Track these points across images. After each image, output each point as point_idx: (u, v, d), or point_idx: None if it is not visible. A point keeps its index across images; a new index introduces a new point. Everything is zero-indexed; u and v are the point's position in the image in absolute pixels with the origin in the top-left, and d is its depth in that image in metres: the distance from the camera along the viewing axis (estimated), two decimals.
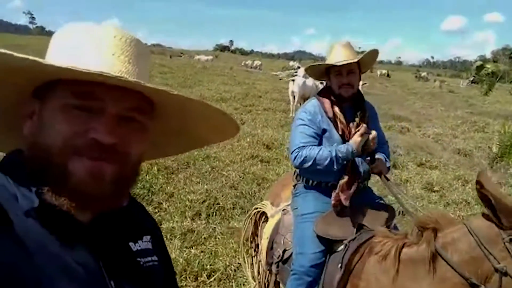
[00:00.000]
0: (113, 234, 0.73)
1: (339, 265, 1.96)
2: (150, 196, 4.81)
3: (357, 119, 2.23)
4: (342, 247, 2.02)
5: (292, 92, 11.81)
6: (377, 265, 1.89)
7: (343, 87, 2.20)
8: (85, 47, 0.68)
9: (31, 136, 0.68)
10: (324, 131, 2.20)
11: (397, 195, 2.23)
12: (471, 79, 38.51)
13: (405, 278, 1.78)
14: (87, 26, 0.71)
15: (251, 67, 36.54)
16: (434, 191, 6.16)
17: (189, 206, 4.63)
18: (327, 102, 2.23)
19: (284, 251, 2.33)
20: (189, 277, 3.30)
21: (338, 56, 2.18)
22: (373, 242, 1.96)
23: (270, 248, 2.44)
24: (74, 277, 0.62)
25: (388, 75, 42.98)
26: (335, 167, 2.10)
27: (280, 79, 23.35)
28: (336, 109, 2.21)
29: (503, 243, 1.59)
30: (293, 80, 12.18)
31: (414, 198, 5.69)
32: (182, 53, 54.42)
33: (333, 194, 2.16)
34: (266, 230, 2.53)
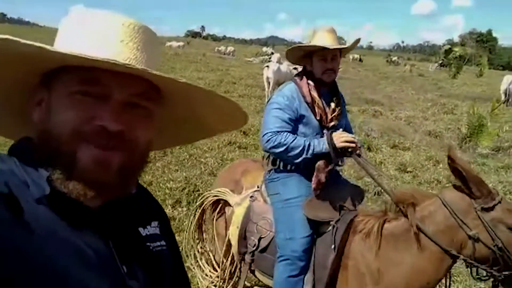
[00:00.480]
0: (122, 219, 0.73)
1: (332, 246, 1.98)
2: None
3: (333, 104, 2.25)
4: (330, 228, 2.04)
5: (267, 78, 11.80)
6: (362, 243, 1.98)
7: (327, 72, 2.19)
8: (94, 33, 0.67)
9: (40, 123, 0.68)
10: (302, 116, 2.18)
11: (373, 174, 2.24)
12: (440, 62, 39.47)
13: (388, 251, 1.89)
14: (95, 13, 0.70)
15: (224, 54, 36.19)
16: (407, 172, 6.36)
17: (169, 194, 4.62)
18: (305, 87, 2.20)
19: (259, 239, 2.28)
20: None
21: (325, 41, 2.16)
22: (356, 221, 2.04)
23: (243, 237, 2.35)
24: (87, 262, 0.63)
25: (360, 60, 43.52)
26: (303, 157, 2.09)
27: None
28: (315, 94, 2.19)
29: (475, 212, 1.73)
30: (267, 66, 12.16)
31: (388, 179, 5.87)
32: None
33: (313, 178, 2.15)
34: (235, 219, 2.41)
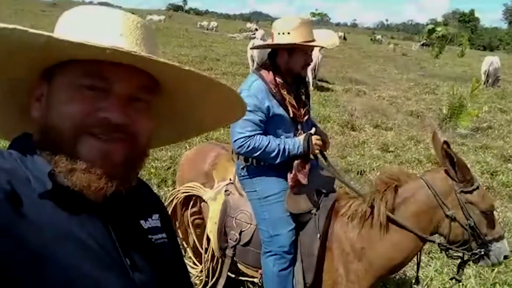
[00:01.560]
0: (124, 212, 0.74)
1: (318, 234, 2.02)
2: None
3: (303, 97, 2.20)
4: (311, 217, 2.07)
5: (251, 56, 11.69)
6: (344, 225, 2.07)
7: (305, 67, 2.14)
8: (93, 28, 0.67)
9: (40, 118, 0.68)
10: (275, 115, 2.08)
11: (338, 176, 2.26)
12: (423, 42, 39.70)
13: (370, 231, 2.00)
14: (95, 9, 0.70)
15: (207, 29, 35.50)
16: (389, 152, 6.49)
17: (154, 173, 4.61)
18: (273, 85, 2.08)
19: (240, 232, 2.25)
20: None
21: (306, 35, 2.06)
22: (338, 206, 2.12)
23: (224, 232, 2.30)
24: (90, 254, 0.64)
25: (344, 38, 43.35)
26: (279, 160, 2.06)
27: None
28: (285, 92, 2.09)
29: (455, 194, 1.89)
30: (252, 43, 12.03)
31: (371, 159, 5.99)
32: (133, 13, 51.58)
33: (289, 175, 2.12)
34: (212, 214, 2.34)
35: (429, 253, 3.55)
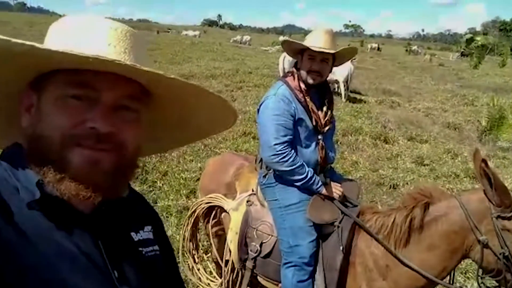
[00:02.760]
0: (114, 224, 0.74)
1: (341, 247, 1.96)
2: (144, 175, 4.82)
3: (325, 108, 2.20)
4: (334, 229, 2.02)
5: (283, 68, 11.71)
6: (369, 240, 1.99)
7: (311, 74, 2.11)
8: (81, 38, 0.67)
9: (29, 128, 0.68)
10: (300, 120, 2.10)
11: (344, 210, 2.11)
12: (461, 52, 38.45)
13: (397, 246, 1.90)
14: (84, 18, 0.71)
15: (240, 42, 36.03)
16: (424, 165, 6.26)
17: (184, 184, 4.67)
18: (298, 92, 2.12)
19: (261, 244, 2.21)
20: (186, 254, 3.36)
21: (318, 41, 2.08)
22: (363, 220, 2.04)
23: (244, 243, 2.27)
24: (77, 266, 0.63)
25: (379, 49, 42.77)
26: (301, 183, 2.08)
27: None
28: (308, 98, 2.12)
29: (491, 218, 1.73)
30: (283, 55, 12.06)
31: (404, 172, 5.80)
32: (169, 29, 53.40)
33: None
34: (233, 225, 2.32)
35: (465, 273, 3.36)
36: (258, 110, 2.19)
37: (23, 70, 0.66)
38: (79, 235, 0.66)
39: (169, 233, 3.50)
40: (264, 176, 2.22)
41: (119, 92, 0.68)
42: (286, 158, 2.03)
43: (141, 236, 0.79)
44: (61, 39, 0.68)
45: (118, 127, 0.67)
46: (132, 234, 0.78)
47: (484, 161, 1.74)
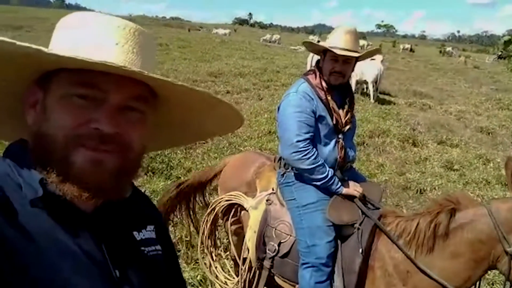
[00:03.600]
0: (116, 223, 0.74)
1: (360, 249, 1.93)
2: (169, 170, 4.89)
3: (346, 107, 2.18)
4: (354, 230, 1.99)
5: (311, 67, 11.60)
6: (390, 244, 1.93)
7: (334, 74, 2.09)
8: (89, 36, 0.67)
9: (34, 125, 0.68)
10: (321, 117, 2.09)
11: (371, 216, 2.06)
12: (498, 54, 37.09)
13: (419, 252, 1.85)
14: (91, 16, 0.70)
15: (270, 41, 35.99)
16: (454, 170, 6.07)
17: None
18: (320, 89, 2.11)
19: (279, 244, 2.20)
20: (205, 251, 3.38)
21: (339, 41, 2.05)
22: (385, 223, 2.00)
23: (262, 242, 2.26)
24: (79, 264, 0.64)
25: (411, 50, 41.75)
26: (320, 183, 2.06)
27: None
28: (329, 97, 2.11)
29: None
30: (312, 55, 11.96)
31: (432, 177, 5.64)
32: (200, 27, 53.91)
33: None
34: (252, 223, 2.32)
35: (492, 284, 3.23)
36: (279, 108, 2.18)
37: (28, 70, 0.66)
38: (81, 235, 0.66)
39: (192, 229, 3.53)
40: (283, 175, 2.21)
41: (126, 94, 0.67)
42: (308, 156, 2.01)
43: (144, 235, 0.79)
44: (68, 37, 0.68)
45: (123, 128, 0.67)
46: (135, 233, 0.78)
47: None
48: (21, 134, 0.73)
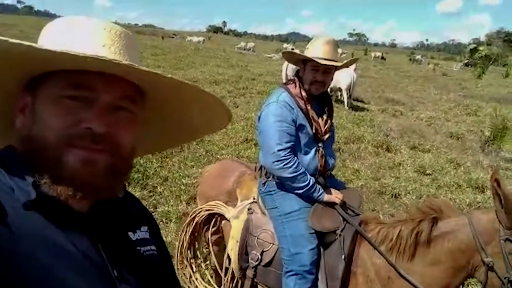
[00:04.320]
0: (111, 223, 0.74)
1: (342, 256, 1.94)
2: (144, 180, 4.81)
3: (325, 116, 2.21)
4: (336, 237, 2.00)
5: (286, 75, 11.71)
6: (371, 250, 1.96)
7: (315, 84, 2.12)
8: (75, 39, 0.67)
9: (24, 129, 0.68)
10: (301, 126, 2.11)
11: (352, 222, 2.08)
12: (465, 62, 38.52)
13: (400, 260, 1.87)
14: (77, 20, 0.71)
15: (244, 49, 36.15)
16: (427, 174, 6.23)
17: (184, 190, 4.65)
18: (299, 99, 2.13)
19: (262, 252, 2.19)
20: (184, 262, 3.32)
21: (320, 52, 2.09)
22: (366, 229, 2.02)
23: (245, 252, 2.24)
24: (76, 265, 0.63)
25: (382, 58, 42.83)
26: (302, 191, 2.08)
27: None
28: (309, 106, 2.13)
29: (499, 240, 1.68)
30: (287, 64, 12.07)
31: (407, 181, 5.76)
32: (174, 34, 53.65)
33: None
34: (234, 233, 2.30)
35: (467, 285, 3.31)
36: (259, 117, 2.18)
37: (19, 71, 0.66)
38: (76, 235, 0.66)
39: (168, 239, 3.48)
40: (264, 184, 2.21)
41: (116, 93, 0.68)
42: (290, 165, 2.02)
43: (139, 235, 0.80)
44: (56, 41, 0.67)
45: (114, 128, 0.67)
46: (130, 233, 0.78)
47: (496, 180, 1.69)
48: (3, 142, 0.73)
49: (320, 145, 2.18)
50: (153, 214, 4.01)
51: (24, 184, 0.64)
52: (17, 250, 0.57)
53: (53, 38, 0.69)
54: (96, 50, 0.66)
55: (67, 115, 0.65)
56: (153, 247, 0.81)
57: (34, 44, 0.58)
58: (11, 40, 0.55)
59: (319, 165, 2.17)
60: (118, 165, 0.69)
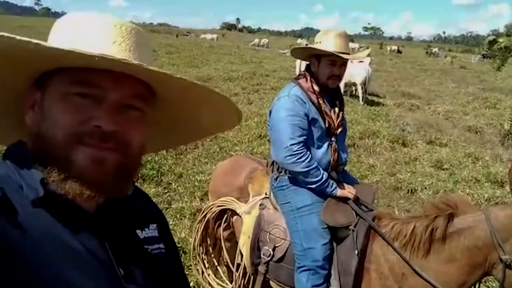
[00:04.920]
0: (119, 222, 0.73)
1: (356, 251, 1.92)
2: (159, 176, 4.84)
3: (337, 109, 2.18)
4: (349, 233, 1.98)
5: (300, 71, 11.64)
6: (385, 246, 1.93)
7: (332, 78, 2.10)
8: (86, 36, 0.67)
9: (33, 126, 0.68)
10: (313, 120, 2.09)
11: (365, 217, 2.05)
12: (483, 54, 37.65)
13: (415, 256, 1.84)
14: (87, 16, 0.70)
15: (258, 46, 36.11)
16: (444, 169, 6.12)
17: (198, 186, 4.67)
18: (311, 93, 2.10)
19: (274, 248, 2.18)
20: (197, 258, 3.34)
21: (334, 45, 2.05)
22: (379, 225, 1.99)
23: (257, 247, 2.23)
24: (83, 263, 0.63)
25: (399, 51, 42.22)
26: (314, 186, 2.05)
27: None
28: (321, 100, 2.11)
29: None
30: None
31: (423, 176, 5.67)
32: (188, 32, 53.96)
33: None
34: (245, 228, 2.30)
35: (485, 282, 3.25)
36: (270, 112, 2.17)
37: (28, 68, 0.66)
38: (84, 234, 0.66)
39: (182, 235, 3.50)
40: (276, 179, 2.20)
41: (125, 91, 0.67)
42: (303, 159, 2.00)
43: (147, 234, 0.79)
44: (65, 36, 0.67)
45: (123, 126, 0.67)
46: (138, 231, 0.78)
47: None
48: (16, 137, 0.73)
49: (333, 139, 2.16)
50: (167, 210, 4.03)
51: (33, 181, 0.64)
52: (26, 250, 0.57)
53: (63, 35, 0.68)
54: (106, 47, 0.65)
55: (76, 113, 0.64)
56: (161, 245, 0.81)
57: (42, 42, 0.57)
58: (18, 37, 0.55)
59: (332, 160, 2.15)
60: (127, 164, 0.69)
